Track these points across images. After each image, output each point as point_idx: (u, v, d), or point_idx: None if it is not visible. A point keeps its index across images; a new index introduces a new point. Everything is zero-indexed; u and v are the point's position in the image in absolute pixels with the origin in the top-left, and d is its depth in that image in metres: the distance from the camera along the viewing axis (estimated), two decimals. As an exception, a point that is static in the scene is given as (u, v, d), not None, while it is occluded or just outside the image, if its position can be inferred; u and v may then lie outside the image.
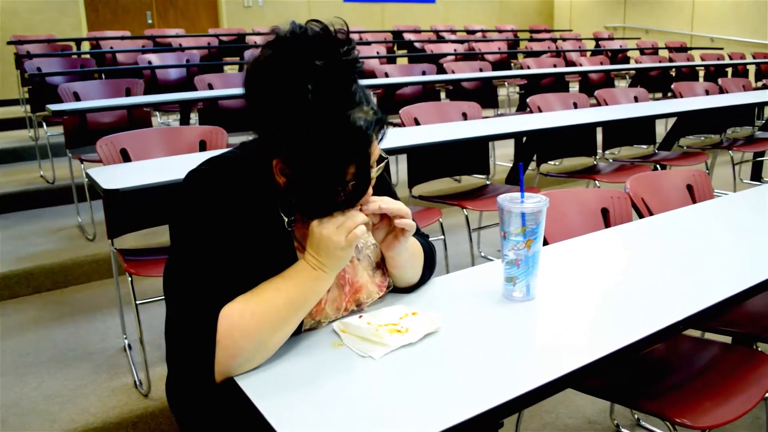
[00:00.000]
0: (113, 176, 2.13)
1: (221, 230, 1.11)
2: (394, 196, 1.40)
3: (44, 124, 4.46)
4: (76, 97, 3.91)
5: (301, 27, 1.09)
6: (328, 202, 1.12)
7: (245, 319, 1.04)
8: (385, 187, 1.38)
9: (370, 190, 1.17)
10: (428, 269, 1.37)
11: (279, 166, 1.12)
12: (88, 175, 2.17)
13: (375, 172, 1.16)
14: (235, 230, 1.12)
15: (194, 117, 4.60)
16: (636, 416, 2.19)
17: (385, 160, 1.19)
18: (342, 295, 1.23)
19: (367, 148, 1.09)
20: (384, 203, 1.18)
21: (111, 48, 6.88)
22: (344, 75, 1.07)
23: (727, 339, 1.87)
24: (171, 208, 1.16)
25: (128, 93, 4.19)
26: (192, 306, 1.07)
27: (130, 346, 2.54)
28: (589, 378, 1.13)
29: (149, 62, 5.67)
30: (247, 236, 1.13)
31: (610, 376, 1.54)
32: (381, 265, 1.32)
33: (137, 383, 2.28)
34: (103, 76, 5.08)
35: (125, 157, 2.55)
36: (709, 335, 1.97)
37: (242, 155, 1.19)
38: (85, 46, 7.37)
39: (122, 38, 7.51)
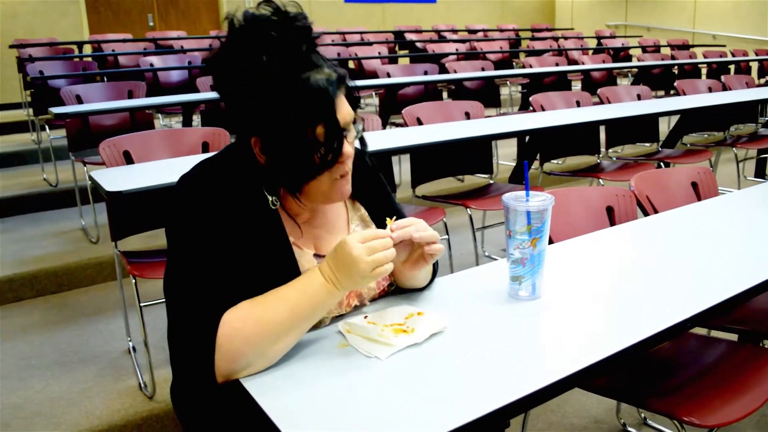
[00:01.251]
0: (116, 178, 2.13)
1: (216, 231, 1.11)
2: (390, 198, 1.41)
3: (47, 127, 4.46)
4: (79, 100, 3.92)
5: (253, 12, 1.11)
6: (306, 167, 1.12)
7: (247, 325, 1.04)
8: (382, 189, 1.40)
9: (351, 151, 1.17)
10: (433, 272, 1.37)
11: (258, 145, 1.14)
12: (91, 178, 2.17)
13: (352, 134, 1.18)
14: (229, 229, 1.12)
15: (197, 119, 4.61)
16: (642, 415, 2.18)
17: (363, 122, 1.20)
18: None
19: (330, 105, 1.10)
20: (416, 232, 1.16)
21: (113, 51, 6.89)
22: (297, 41, 1.09)
23: (734, 337, 1.86)
24: (166, 213, 1.17)
25: (130, 95, 4.19)
26: (192, 309, 1.07)
27: (134, 349, 2.54)
28: (595, 377, 1.12)
29: (151, 64, 5.68)
30: (241, 234, 1.13)
31: (616, 375, 1.54)
32: None
33: (142, 386, 2.28)
34: (105, 79, 5.08)
35: (128, 159, 2.55)
36: (715, 333, 1.96)
37: (230, 153, 1.21)
38: (87, 49, 7.38)
39: (124, 41, 7.51)
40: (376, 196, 1.39)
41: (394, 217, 1.18)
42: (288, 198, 1.21)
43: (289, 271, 1.18)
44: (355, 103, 1.20)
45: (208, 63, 1.14)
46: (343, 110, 1.14)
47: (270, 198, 1.18)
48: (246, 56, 1.08)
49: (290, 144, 1.10)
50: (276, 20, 1.09)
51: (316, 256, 1.25)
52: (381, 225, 1.34)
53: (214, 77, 1.15)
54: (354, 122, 1.18)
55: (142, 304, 2.22)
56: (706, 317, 1.20)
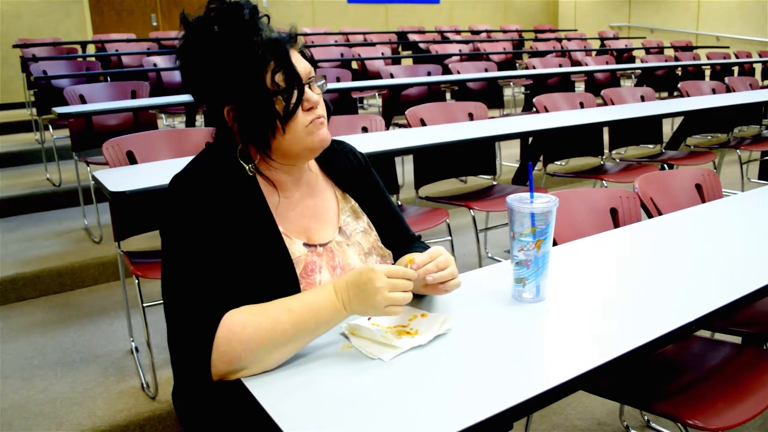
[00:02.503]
0: (120, 179, 2.13)
1: (206, 229, 1.13)
2: (382, 192, 1.43)
3: (50, 127, 4.47)
4: (82, 100, 3.92)
5: (191, 15, 1.20)
6: (273, 115, 1.16)
7: (246, 331, 1.04)
8: (374, 183, 1.42)
9: (317, 98, 1.21)
10: None
11: (231, 113, 1.19)
12: (94, 178, 2.17)
13: (317, 88, 1.22)
14: (219, 226, 1.14)
15: (200, 119, 4.61)
16: (646, 417, 2.18)
17: (325, 78, 1.25)
18: (334, 277, 1.25)
19: (284, 52, 1.16)
20: (437, 273, 1.17)
21: (116, 50, 6.89)
22: (242, 11, 1.16)
23: (737, 339, 1.85)
24: (158, 214, 1.19)
25: (134, 95, 4.20)
26: (188, 310, 1.08)
27: (137, 349, 2.54)
28: (599, 379, 1.12)
29: (154, 64, 5.69)
30: (231, 228, 1.15)
31: (620, 377, 1.53)
32: (372, 252, 1.34)
33: (144, 386, 2.28)
34: (109, 79, 5.08)
35: (131, 159, 2.55)
36: (719, 335, 1.95)
37: (214, 144, 1.25)
38: (90, 49, 7.39)
39: (127, 41, 7.52)
40: (367, 188, 1.41)
41: (415, 257, 1.18)
42: (270, 167, 1.24)
43: (281, 260, 1.20)
44: (311, 62, 1.25)
45: (176, 60, 1.21)
46: (300, 63, 1.19)
47: (246, 166, 1.22)
48: (200, 36, 1.16)
49: (254, 96, 1.15)
50: (221, 6, 1.18)
51: (306, 245, 1.25)
52: (373, 218, 1.37)
53: (180, 70, 1.21)
54: (318, 80, 1.23)
55: (145, 305, 2.22)
56: (710, 320, 1.19)
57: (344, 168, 1.38)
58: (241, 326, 1.04)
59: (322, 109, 1.23)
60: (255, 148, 1.22)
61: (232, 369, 1.03)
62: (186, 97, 4.03)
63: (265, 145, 1.20)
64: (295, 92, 1.16)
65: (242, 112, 1.17)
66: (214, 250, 1.12)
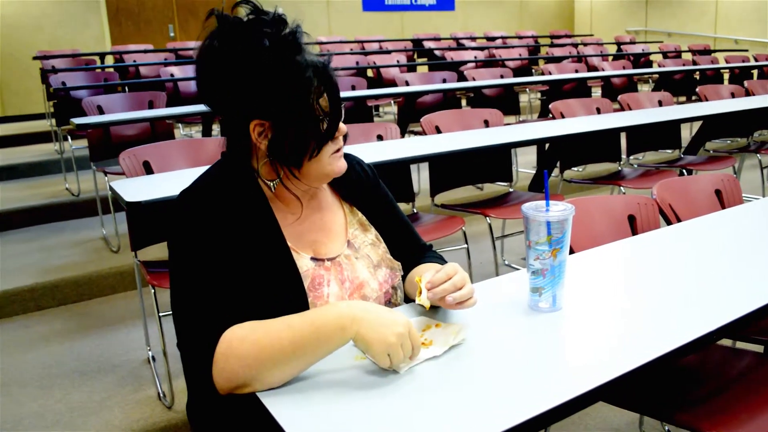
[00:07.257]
0: (136, 189, 2.14)
1: (214, 245, 1.12)
2: (392, 204, 1.43)
3: (69, 137, 4.52)
4: (100, 111, 3.96)
5: (230, 16, 1.17)
6: (313, 137, 1.17)
7: (244, 346, 1.03)
8: (382, 195, 1.42)
9: (345, 127, 1.24)
10: None
11: (258, 129, 1.17)
12: (111, 188, 2.18)
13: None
14: (227, 241, 1.13)
15: (216, 128, 4.63)
16: (666, 428, 2.14)
17: (342, 103, 1.25)
18: (343, 291, 1.24)
19: (328, 77, 1.18)
20: (457, 293, 1.15)
21: (134, 61, 6.96)
22: (284, 28, 1.16)
23: (759, 348, 1.82)
24: (167, 228, 1.19)
25: (151, 106, 4.23)
26: (192, 325, 1.08)
27: (153, 358, 2.55)
28: (618, 390, 1.10)
29: (171, 75, 5.73)
30: (239, 244, 1.15)
31: (639, 388, 1.51)
32: (381, 264, 1.33)
33: (161, 395, 2.28)
34: (127, 90, 5.13)
35: (148, 169, 2.56)
36: (740, 344, 1.92)
37: (225, 159, 1.25)
38: (109, 60, 7.47)
39: (145, 51, 7.59)
40: (375, 201, 1.40)
41: (426, 275, 1.17)
42: (283, 190, 1.24)
43: (289, 275, 1.19)
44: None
45: (202, 61, 1.19)
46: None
47: (270, 183, 1.23)
48: (247, 45, 1.13)
49: (298, 117, 1.15)
50: (261, 16, 1.16)
51: (314, 259, 1.25)
52: (382, 230, 1.37)
53: (207, 73, 1.19)
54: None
55: (161, 314, 2.23)
56: (733, 329, 1.17)
57: (351, 181, 1.37)
58: (239, 341, 1.03)
59: (342, 140, 1.25)
60: (281, 165, 1.21)
61: (233, 385, 1.02)
62: (202, 107, 4.05)
63: (298, 165, 1.20)
64: (336, 117, 1.19)
65: (280, 130, 1.16)
66: (221, 265, 1.11)
